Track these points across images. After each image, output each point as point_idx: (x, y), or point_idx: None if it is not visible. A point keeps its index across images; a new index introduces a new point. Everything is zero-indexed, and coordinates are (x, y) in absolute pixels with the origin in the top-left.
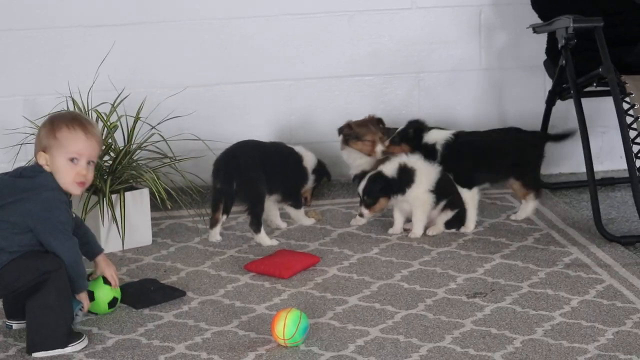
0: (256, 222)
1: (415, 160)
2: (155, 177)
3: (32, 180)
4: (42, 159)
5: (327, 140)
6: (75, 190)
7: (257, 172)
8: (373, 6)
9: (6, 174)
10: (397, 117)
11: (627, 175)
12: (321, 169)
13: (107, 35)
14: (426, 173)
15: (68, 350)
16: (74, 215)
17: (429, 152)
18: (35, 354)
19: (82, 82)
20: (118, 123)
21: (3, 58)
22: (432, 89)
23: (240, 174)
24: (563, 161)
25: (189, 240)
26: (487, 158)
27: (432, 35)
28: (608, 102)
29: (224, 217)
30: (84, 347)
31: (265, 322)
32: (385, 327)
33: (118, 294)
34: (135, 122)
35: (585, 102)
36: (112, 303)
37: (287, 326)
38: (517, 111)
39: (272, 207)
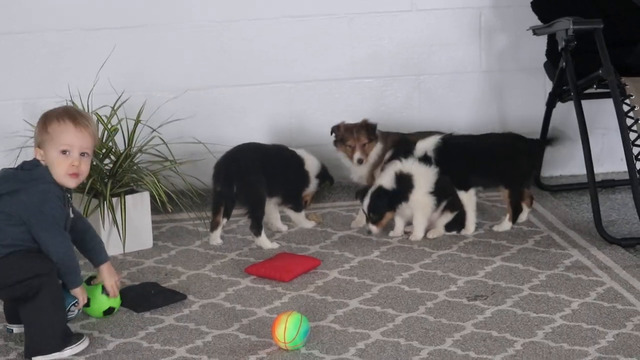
0: (257, 225)
1: (410, 165)
2: (156, 180)
3: (30, 172)
4: (38, 155)
5: (327, 143)
6: (69, 182)
7: (257, 175)
8: (373, 8)
9: (13, 167)
10: (397, 119)
11: (627, 177)
12: (324, 173)
13: (107, 39)
14: (424, 175)
15: (67, 353)
16: (72, 216)
17: (425, 162)
18: (35, 359)
19: (82, 85)
20: (118, 126)
21: (3, 61)
22: (433, 92)
23: (241, 177)
24: (563, 163)
25: (190, 243)
26: (479, 161)
27: (432, 38)
28: (608, 104)
29: (225, 220)
30: (85, 350)
31: (266, 325)
32: (386, 330)
33: (116, 304)
34: (135, 125)
35: (585, 104)
36: (108, 312)
37: (288, 329)
38: (518, 113)
39: (273, 210)
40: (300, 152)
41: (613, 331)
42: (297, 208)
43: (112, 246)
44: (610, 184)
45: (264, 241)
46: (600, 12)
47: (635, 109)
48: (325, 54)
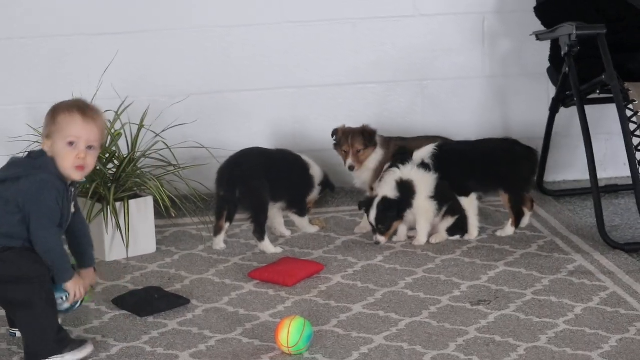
0: (260, 230)
1: (409, 171)
2: (159, 185)
3: (34, 161)
4: (46, 146)
5: (330, 148)
6: (75, 175)
7: (261, 180)
8: (376, 14)
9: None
10: (401, 124)
11: (630, 182)
12: (326, 181)
13: (110, 43)
14: (423, 181)
15: (68, 358)
16: (73, 210)
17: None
18: None
19: (85, 90)
20: (122, 131)
21: (6, 66)
22: (436, 97)
23: (244, 182)
24: (567, 168)
25: (193, 248)
26: (477, 167)
27: (435, 43)
28: (611, 109)
29: (228, 224)
30: (89, 355)
31: (269, 329)
32: (389, 334)
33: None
34: (139, 130)
35: (588, 109)
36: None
37: (291, 334)
38: (521, 119)
39: (276, 215)
40: (305, 157)
41: (616, 336)
42: (302, 213)
43: (116, 251)
44: (614, 189)
45: (267, 246)
46: (603, 18)
47: (639, 114)
48: (328, 59)
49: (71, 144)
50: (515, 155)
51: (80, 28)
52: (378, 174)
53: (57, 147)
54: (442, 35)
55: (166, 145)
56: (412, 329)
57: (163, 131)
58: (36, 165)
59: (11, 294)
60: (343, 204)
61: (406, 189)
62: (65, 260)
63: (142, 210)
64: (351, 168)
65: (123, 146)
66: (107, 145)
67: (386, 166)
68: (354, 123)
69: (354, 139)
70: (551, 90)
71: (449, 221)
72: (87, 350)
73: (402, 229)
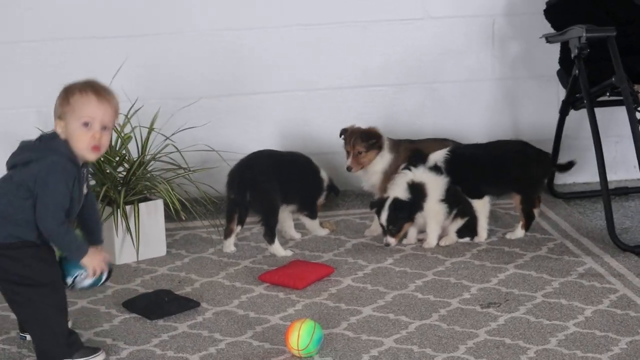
0: (270, 233)
1: (420, 174)
2: (170, 188)
3: (46, 144)
4: (59, 127)
5: (340, 151)
6: (91, 155)
7: (271, 183)
8: (386, 16)
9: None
10: (410, 127)
11: None
12: (331, 185)
13: (120, 47)
14: (435, 183)
15: None
16: (85, 191)
17: (435, 171)
18: None
19: None
20: (132, 134)
21: (16, 69)
22: (445, 99)
23: (254, 185)
24: (577, 171)
25: (203, 251)
26: (490, 169)
27: (444, 46)
28: (621, 112)
29: (239, 227)
30: None
31: (279, 332)
32: (399, 337)
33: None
34: (149, 133)
35: (598, 111)
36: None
37: (301, 337)
38: (531, 121)
39: (286, 218)
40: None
41: (626, 338)
42: (313, 215)
43: (126, 254)
44: (624, 192)
45: (277, 249)
46: (613, 20)
47: None
48: (337, 62)
49: (86, 124)
50: (528, 157)
51: (91, 31)
52: (388, 176)
53: (71, 128)
54: (452, 38)
55: (176, 148)
56: (422, 331)
57: (173, 134)
58: (47, 147)
59: (21, 297)
60: (353, 207)
61: (418, 191)
62: (74, 241)
63: (152, 214)
64: (349, 169)
65: (133, 149)
66: (117, 148)
67: (400, 167)
68: (364, 126)
69: (356, 141)
70: (561, 93)
71: (458, 223)
72: (99, 358)
73: (412, 232)
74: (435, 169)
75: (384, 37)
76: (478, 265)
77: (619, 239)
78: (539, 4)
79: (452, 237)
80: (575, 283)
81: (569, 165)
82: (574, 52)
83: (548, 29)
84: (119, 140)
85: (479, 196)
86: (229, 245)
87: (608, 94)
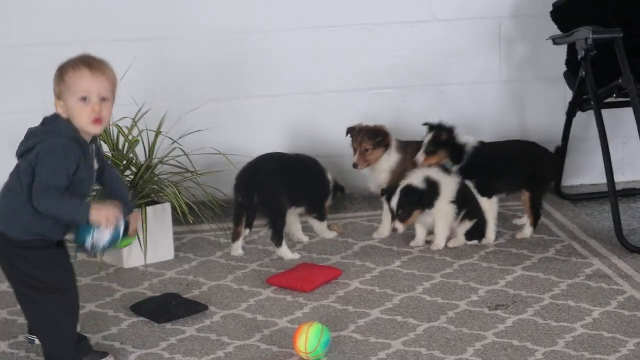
0: (277, 236)
1: (436, 173)
2: (177, 192)
3: (48, 126)
4: (59, 107)
5: (348, 153)
6: (93, 129)
7: (278, 186)
8: (393, 19)
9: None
10: (418, 129)
11: None
12: (336, 184)
13: (127, 50)
14: (448, 184)
15: None
16: (96, 166)
17: (459, 154)
18: None
19: None
20: (139, 137)
21: (23, 72)
22: (453, 101)
23: (261, 188)
24: (584, 172)
25: (211, 254)
26: (508, 167)
27: (452, 48)
28: (628, 113)
29: (246, 230)
30: None
31: (287, 335)
32: (407, 339)
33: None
34: (156, 137)
35: (605, 112)
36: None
37: (309, 340)
38: (538, 123)
39: (294, 221)
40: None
41: (634, 339)
42: (321, 217)
43: (134, 257)
44: (631, 193)
45: (285, 252)
46: (619, 21)
47: None
48: (345, 65)
49: (83, 99)
50: (540, 154)
51: (97, 35)
52: (395, 176)
53: (70, 105)
54: (459, 40)
55: (183, 151)
56: (430, 333)
57: (180, 138)
58: (49, 130)
59: (32, 300)
60: (360, 209)
61: (432, 187)
62: (73, 206)
63: (159, 217)
64: (354, 166)
65: (140, 153)
66: (124, 152)
67: (428, 139)
68: (372, 124)
69: (363, 138)
70: (568, 94)
71: (467, 225)
72: None
73: (420, 234)
74: (460, 154)
75: (391, 39)
76: (486, 267)
77: (627, 240)
78: (546, 6)
79: (460, 239)
80: (583, 284)
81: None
82: (581, 54)
83: (554, 30)
84: (126, 144)
85: (490, 194)
86: (237, 248)
87: (615, 95)
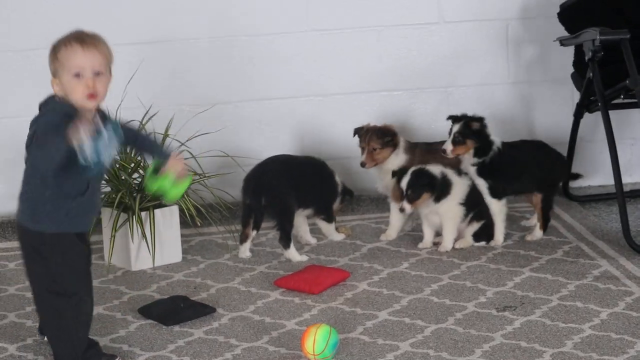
0: (285, 238)
1: (451, 173)
2: (185, 194)
3: (43, 110)
4: (55, 85)
5: (356, 155)
6: (88, 104)
7: (286, 188)
8: (401, 21)
9: None
10: (426, 131)
11: None
12: (344, 188)
13: (135, 53)
14: (459, 186)
15: None
16: (105, 133)
17: (485, 149)
18: None
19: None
20: None
21: (31, 77)
22: (461, 103)
23: (269, 190)
24: (592, 174)
25: (219, 256)
26: (522, 169)
27: (459, 50)
28: (636, 114)
29: (254, 232)
30: None
31: (295, 337)
32: (415, 341)
33: (187, 183)
34: (163, 139)
35: (613, 114)
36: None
37: (317, 341)
38: (546, 124)
39: (302, 223)
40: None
41: None
42: (329, 219)
43: (142, 260)
44: (639, 194)
45: (293, 254)
46: (626, 23)
47: None
48: (353, 67)
49: (77, 75)
50: (550, 155)
51: (105, 37)
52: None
53: (65, 82)
54: (467, 42)
55: (191, 154)
56: (438, 335)
57: (188, 140)
58: (45, 112)
59: (48, 303)
60: (368, 212)
61: (445, 181)
62: (52, 144)
63: (167, 220)
64: (362, 165)
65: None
66: (132, 154)
67: (456, 129)
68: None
69: (371, 137)
70: (575, 96)
71: (475, 226)
72: None
73: (427, 236)
74: (487, 150)
75: (399, 41)
76: (494, 268)
77: (635, 242)
78: (553, 7)
79: (468, 240)
80: (591, 286)
81: (576, 176)
82: (588, 55)
83: (562, 32)
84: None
85: (501, 196)
86: (245, 250)
87: (622, 96)
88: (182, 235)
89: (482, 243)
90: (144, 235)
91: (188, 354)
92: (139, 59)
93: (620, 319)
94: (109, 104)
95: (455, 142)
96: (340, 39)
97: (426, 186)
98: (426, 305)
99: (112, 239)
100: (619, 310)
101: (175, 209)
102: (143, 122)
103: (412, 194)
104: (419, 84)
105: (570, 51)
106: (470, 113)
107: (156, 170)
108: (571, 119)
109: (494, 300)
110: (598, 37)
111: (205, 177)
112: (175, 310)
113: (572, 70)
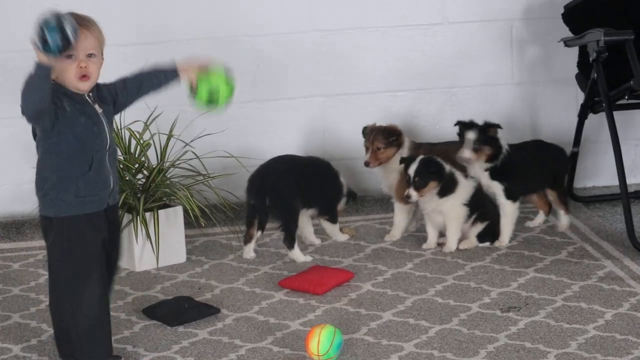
0: (290, 239)
1: (458, 173)
2: (189, 195)
3: None
4: None
5: (360, 156)
6: (81, 85)
7: (290, 188)
8: (405, 22)
9: None
10: (430, 132)
11: None
12: (349, 189)
13: (138, 53)
14: (464, 187)
15: None
16: (100, 110)
17: (497, 154)
18: None
19: None
20: (151, 141)
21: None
22: (465, 104)
23: (273, 190)
24: (596, 174)
25: (223, 257)
26: (535, 169)
27: (463, 50)
28: None
29: (259, 233)
30: None
31: (299, 338)
32: (419, 342)
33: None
34: (168, 140)
35: (617, 114)
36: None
37: (322, 342)
38: (550, 125)
39: (306, 224)
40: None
41: None
42: (333, 219)
43: (146, 261)
44: None
45: (297, 254)
46: (631, 23)
47: None
48: (357, 68)
49: (70, 56)
50: (557, 152)
51: (110, 39)
52: (405, 177)
53: (58, 65)
54: (471, 43)
55: (195, 155)
56: (442, 336)
57: (192, 141)
58: None
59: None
60: (372, 212)
61: (451, 178)
62: (29, 80)
63: (171, 220)
64: (366, 164)
65: (152, 156)
66: (136, 155)
67: (472, 137)
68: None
69: (376, 137)
70: (580, 97)
71: (479, 227)
72: None
73: (431, 236)
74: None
75: (403, 42)
76: (498, 269)
77: (639, 242)
78: (557, 8)
79: (472, 241)
80: (595, 286)
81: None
82: (592, 56)
83: (566, 32)
84: (138, 147)
85: (516, 198)
86: (249, 251)
87: (627, 97)
88: (186, 236)
89: (487, 244)
90: (148, 235)
91: (192, 355)
92: (143, 59)
93: (625, 320)
94: None
95: (475, 149)
96: (345, 40)
97: (434, 174)
98: (430, 306)
99: None
100: (623, 311)
101: (179, 210)
102: (147, 123)
103: (420, 181)
104: (422, 85)
105: (574, 52)
106: (473, 114)
107: (191, 89)
108: (575, 119)
109: (498, 301)
110: (602, 38)
111: (209, 177)
112: (179, 310)
113: (576, 71)
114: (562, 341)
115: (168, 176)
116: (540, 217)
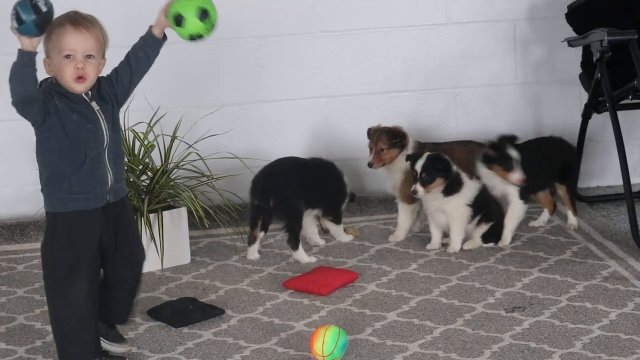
0: (294, 239)
1: (464, 175)
2: (193, 196)
3: None
4: (47, 66)
5: (364, 157)
6: (77, 86)
7: (294, 189)
8: (408, 22)
9: None
10: (434, 132)
11: None
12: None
13: None
14: (469, 188)
15: None
16: (97, 107)
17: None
18: None
19: None
20: (155, 142)
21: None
22: (469, 104)
23: (277, 191)
24: (600, 174)
25: (227, 258)
26: (544, 167)
27: (467, 51)
28: None
29: (263, 234)
30: None
31: (304, 339)
32: (424, 342)
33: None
34: (172, 141)
35: (621, 114)
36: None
37: (326, 343)
38: (554, 125)
39: (310, 225)
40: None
41: None
42: (337, 220)
43: (150, 262)
44: None
45: (301, 255)
46: (634, 23)
47: None
48: (361, 68)
49: (68, 56)
50: (565, 147)
51: (112, 40)
52: (409, 177)
53: (55, 63)
54: (474, 43)
55: (199, 156)
56: (447, 336)
57: (196, 142)
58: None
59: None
60: (376, 213)
61: (456, 182)
62: (15, 71)
63: (176, 222)
64: (370, 165)
65: (156, 158)
66: (140, 157)
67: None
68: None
69: (379, 138)
70: (583, 96)
71: (483, 228)
72: None
73: (435, 237)
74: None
75: (407, 43)
76: (502, 269)
77: None
78: (561, 8)
79: (476, 241)
80: (600, 286)
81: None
82: (596, 56)
83: (570, 32)
84: (142, 149)
85: (527, 199)
86: (253, 252)
87: (630, 97)
88: (190, 237)
89: (491, 244)
90: (152, 237)
91: (197, 356)
92: None
93: (629, 320)
94: None
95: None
96: (348, 41)
97: (441, 171)
98: (435, 306)
99: None
100: (627, 310)
101: (183, 211)
102: (151, 124)
103: (426, 177)
104: (427, 85)
105: (578, 52)
106: (477, 115)
107: (175, 22)
108: (579, 119)
109: (502, 301)
110: (606, 38)
111: (213, 178)
112: (184, 311)
113: (580, 70)
114: (567, 341)
115: (172, 177)
116: (544, 216)
